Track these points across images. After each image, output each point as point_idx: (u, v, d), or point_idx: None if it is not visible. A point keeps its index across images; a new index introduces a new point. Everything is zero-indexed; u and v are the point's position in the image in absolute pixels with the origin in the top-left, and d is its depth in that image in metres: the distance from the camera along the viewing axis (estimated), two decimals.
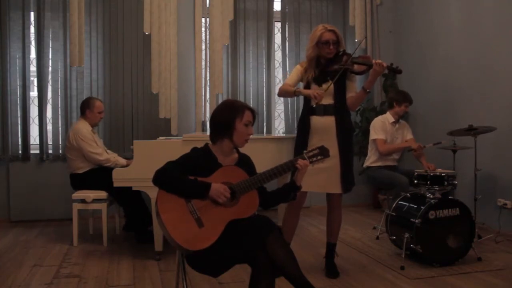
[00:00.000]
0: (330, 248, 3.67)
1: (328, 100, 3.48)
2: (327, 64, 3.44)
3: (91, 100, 4.74)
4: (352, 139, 3.66)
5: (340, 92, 3.50)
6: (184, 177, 2.48)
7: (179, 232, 2.38)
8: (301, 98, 3.72)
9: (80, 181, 4.55)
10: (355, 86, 3.61)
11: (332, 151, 3.25)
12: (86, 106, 4.67)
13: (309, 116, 3.52)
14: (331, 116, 3.48)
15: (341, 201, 3.64)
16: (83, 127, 4.58)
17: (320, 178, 3.45)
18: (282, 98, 6.30)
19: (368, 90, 3.48)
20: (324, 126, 3.48)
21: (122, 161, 4.59)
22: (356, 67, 3.45)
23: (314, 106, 3.42)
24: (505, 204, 4.66)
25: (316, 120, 3.50)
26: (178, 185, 2.46)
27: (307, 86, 3.52)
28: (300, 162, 2.62)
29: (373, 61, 3.36)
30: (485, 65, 4.90)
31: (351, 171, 3.56)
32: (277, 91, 3.93)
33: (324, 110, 3.48)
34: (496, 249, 4.23)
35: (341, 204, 3.65)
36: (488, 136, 4.51)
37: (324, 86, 3.44)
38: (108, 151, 4.77)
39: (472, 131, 4.34)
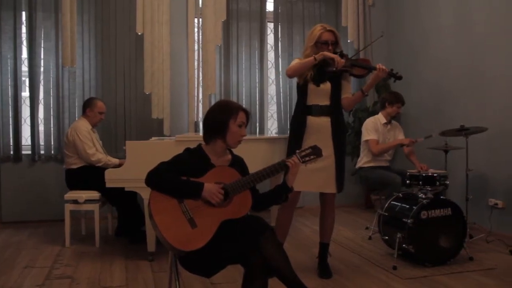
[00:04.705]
0: (323, 248, 3.68)
1: (324, 101, 3.49)
2: (325, 64, 3.44)
3: (93, 99, 4.81)
4: (345, 139, 3.69)
5: (336, 92, 3.51)
6: (177, 177, 2.47)
7: (172, 233, 2.37)
8: (295, 98, 3.71)
9: (74, 177, 4.55)
10: (350, 87, 3.63)
11: (327, 151, 3.28)
12: (87, 105, 4.73)
13: (305, 116, 3.53)
14: (327, 116, 3.49)
15: (335, 201, 3.65)
16: (83, 125, 4.62)
17: (315, 178, 3.46)
18: (275, 98, 6.31)
19: (366, 94, 3.50)
20: (320, 127, 3.48)
21: (115, 161, 4.58)
22: (356, 70, 3.46)
23: (335, 69, 3.34)
24: (496, 204, 4.69)
25: (312, 121, 3.50)
26: (171, 186, 2.45)
27: (304, 86, 3.51)
28: (291, 160, 2.62)
29: (377, 66, 3.37)
30: (476, 66, 4.94)
31: (344, 171, 3.58)
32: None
33: (321, 111, 3.49)
34: (487, 249, 4.26)
35: (334, 204, 3.67)
36: (479, 137, 4.54)
37: (322, 86, 3.45)
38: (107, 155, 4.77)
39: (463, 131, 4.36)
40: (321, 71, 3.45)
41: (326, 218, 3.67)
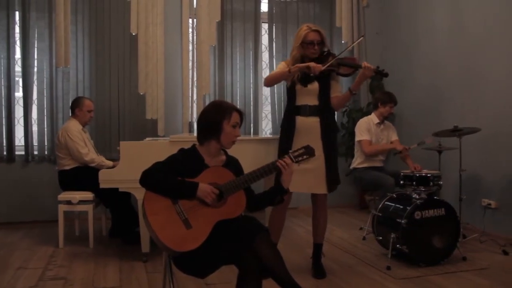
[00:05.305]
0: (317, 249, 3.69)
1: (313, 101, 3.50)
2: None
3: (81, 99, 4.79)
4: (336, 139, 3.66)
5: (324, 92, 3.51)
6: (172, 177, 2.47)
7: (167, 233, 2.37)
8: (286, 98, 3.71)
9: (67, 178, 4.53)
10: (339, 86, 3.63)
11: (316, 152, 3.27)
12: (75, 105, 4.71)
13: (294, 116, 3.53)
14: (316, 116, 3.49)
15: (326, 201, 3.65)
16: (73, 125, 4.61)
17: (306, 178, 3.45)
18: (269, 99, 6.31)
19: (354, 92, 3.50)
20: (308, 127, 3.49)
21: (108, 163, 4.58)
22: (342, 69, 3.46)
23: (312, 75, 3.36)
24: (489, 204, 4.71)
25: (301, 121, 3.51)
26: (165, 186, 2.45)
27: (292, 86, 3.52)
28: (281, 161, 2.62)
29: (363, 64, 3.37)
30: (470, 67, 4.96)
31: (336, 170, 3.57)
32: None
33: (309, 111, 3.49)
34: (480, 249, 4.28)
35: (326, 204, 3.66)
36: (473, 137, 4.55)
37: (310, 86, 3.46)
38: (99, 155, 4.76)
39: (457, 132, 4.38)
40: (306, 73, 3.45)
41: (318, 219, 3.68)
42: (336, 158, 3.60)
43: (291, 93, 3.57)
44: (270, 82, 3.62)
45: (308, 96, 3.50)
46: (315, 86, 3.48)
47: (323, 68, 3.32)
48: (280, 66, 3.60)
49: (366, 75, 3.38)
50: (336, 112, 3.68)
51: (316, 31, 3.45)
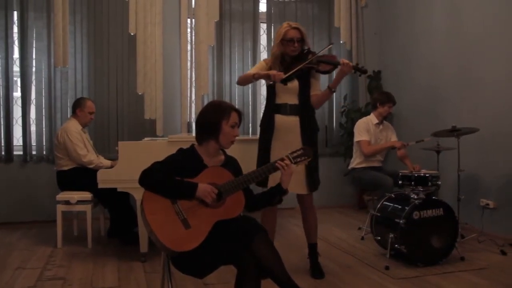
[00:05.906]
0: (312, 249, 3.67)
1: (293, 100, 3.49)
2: (292, 62, 3.42)
3: (83, 99, 4.78)
4: (317, 138, 3.63)
5: (304, 90, 3.50)
6: (171, 177, 2.47)
7: (166, 233, 2.37)
8: None
9: (65, 179, 4.52)
10: (319, 84, 3.62)
11: None
12: (77, 106, 4.70)
13: (274, 115, 3.51)
14: (296, 116, 3.48)
15: (313, 200, 3.62)
16: (73, 125, 4.60)
17: None
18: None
19: (333, 90, 3.49)
20: (288, 126, 3.47)
21: (106, 163, 4.57)
22: (321, 66, 3.45)
23: (271, 83, 3.38)
24: (488, 204, 4.72)
25: (281, 119, 3.49)
26: (165, 186, 2.45)
27: (272, 84, 3.50)
28: (281, 162, 2.63)
29: (341, 61, 3.36)
30: (468, 67, 4.96)
31: (316, 171, 3.55)
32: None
33: (290, 110, 3.48)
34: (478, 249, 4.28)
35: (313, 204, 3.64)
36: (471, 137, 4.56)
37: (290, 84, 3.44)
38: (98, 155, 4.75)
39: (455, 132, 4.38)
40: (287, 69, 3.41)
41: (308, 219, 3.66)
42: (317, 158, 3.55)
43: (271, 91, 3.55)
44: (240, 82, 3.66)
45: (288, 94, 3.48)
46: (295, 84, 3.46)
47: (285, 76, 3.30)
48: (257, 65, 3.62)
49: (345, 72, 3.37)
50: (316, 110, 3.66)
51: (296, 28, 3.43)
